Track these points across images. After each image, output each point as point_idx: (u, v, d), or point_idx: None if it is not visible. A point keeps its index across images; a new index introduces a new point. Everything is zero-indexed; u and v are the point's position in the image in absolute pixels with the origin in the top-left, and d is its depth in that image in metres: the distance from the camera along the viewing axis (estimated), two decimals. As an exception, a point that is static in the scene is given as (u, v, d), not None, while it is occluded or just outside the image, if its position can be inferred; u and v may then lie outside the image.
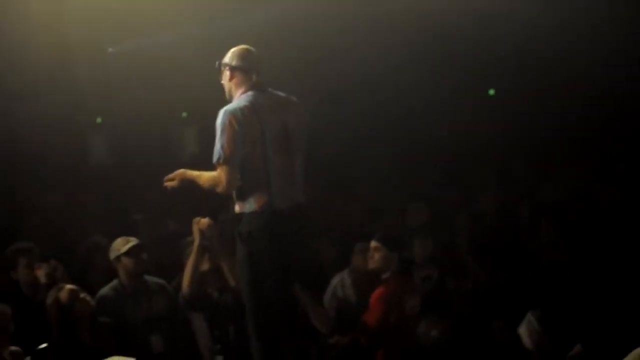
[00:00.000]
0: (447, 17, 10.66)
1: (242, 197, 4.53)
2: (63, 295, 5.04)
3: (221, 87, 4.76)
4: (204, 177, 4.58)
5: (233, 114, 4.43)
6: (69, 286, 5.16)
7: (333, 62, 11.25)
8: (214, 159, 4.42)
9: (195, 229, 5.53)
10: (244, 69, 4.62)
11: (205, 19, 10.14)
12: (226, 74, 4.66)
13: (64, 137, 12.33)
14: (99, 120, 14.75)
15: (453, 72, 11.72)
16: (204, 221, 5.48)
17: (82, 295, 5.12)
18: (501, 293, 6.61)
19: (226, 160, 4.39)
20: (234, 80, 4.63)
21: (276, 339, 4.55)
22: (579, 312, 6.19)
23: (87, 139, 14.70)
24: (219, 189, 4.47)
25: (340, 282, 6.35)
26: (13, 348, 4.82)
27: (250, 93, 4.56)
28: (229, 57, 4.67)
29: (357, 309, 5.92)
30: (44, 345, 4.68)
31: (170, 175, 4.72)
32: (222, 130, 4.41)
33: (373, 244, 5.70)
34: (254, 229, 4.49)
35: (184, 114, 14.77)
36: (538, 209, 7.88)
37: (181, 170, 4.70)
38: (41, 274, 5.81)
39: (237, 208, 4.60)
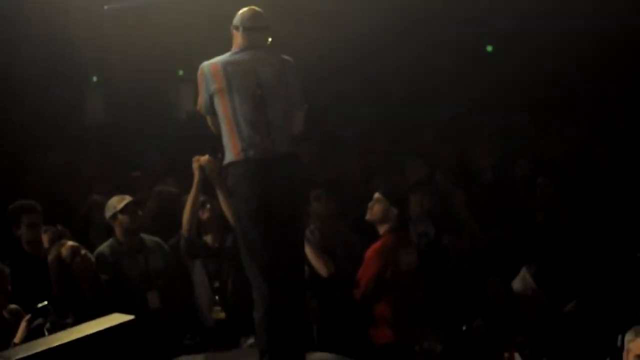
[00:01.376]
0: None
1: (224, 148, 4.73)
2: (64, 251, 5.04)
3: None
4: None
5: (201, 68, 4.76)
6: (70, 243, 5.17)
7: (332, 18, 11.14)
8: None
9: (196, 165, 5.58)
10: (237, 28, 4.84)
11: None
12: (233, 34, 4.86)
13: (61, 97, 12.29)
14: (95, 78, 14.69)
15: (451, 28, 11.63)
16: (205, 158, 5.53)
17: (83, 252, 5.13)
18: (497, 249, 6.67)
19: (202, 110, 4.82)
20: (235, 40, 4.84)
21: (274, 290, 4.58)
22: (574, 269, 6.25)
23: (84, 97, 14.65)
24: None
25: (310, 233, 6.38)
26: (12, 306, 4.87)
27: (234, 50, 4.82)
28: (235, 19, 4.89)
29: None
30: (44, 303, 4.70)
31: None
32: (199, 82, 4.77)
33: (376, 196, 5.73)
34: (234, 180, 4.68)
35: (180, 72, 14.70)
36: (536, 166, 7.90)
37: None
38: (46, 239, 5.81)
39: (227, 158, 4.75)
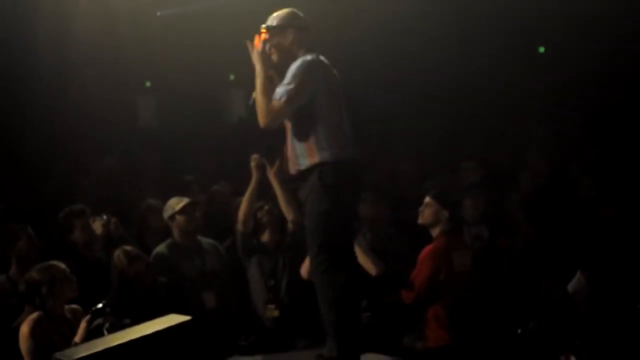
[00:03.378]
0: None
1: (319, 146, 4.57)
2: (121, 256, 5.20)
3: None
4: (262, 81, 4.62)
5: (313, 63, 4.60)
6: (126, 247, 5.31)
7: (387, 24, 11.13)
8: (276, 96, 4.53)
9: (254, 164, 5.62)
10: (306, 29, 4.77)
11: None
12: (288, 36, 4.73)
13: (114, 101, 12.47)
14: (148, 84, 14.87)
15: (503, 30, 11.55)
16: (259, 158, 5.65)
17: (139, 256, 5.27)
18: (551, 252, 6.59)
19: (287, 102, 4.52)
20: (297, 41, 4.72)
21: (348, 292, 4.60)
22: (628, 272, 6.15)
23: (137, 102, 14.84)
24: (260, 118, 4.58)
25: (360, 235, 6.38)
26: (73, 306, 4.96)
27: (306, 51, 4.70)
28: (289, 19, 4.78)
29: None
30: (102, 304, 4.79)
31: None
32: (295, 75, 4.54)
33: (427, 199, 5.72)
34: (332, 180, 4.54)
35: (232, 76, 14.79)
36: (590, 168, 7.80)
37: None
38: (97, 226, 6.04)
39: (314, 158, 4.58)
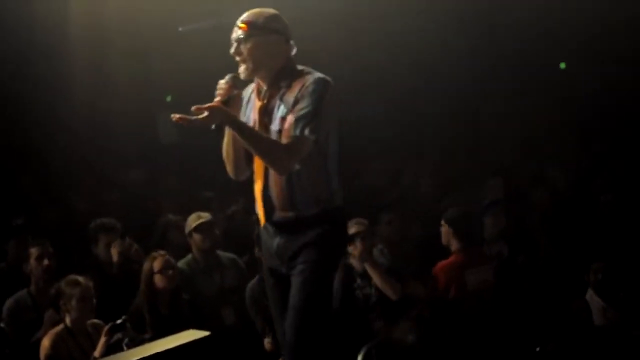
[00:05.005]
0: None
1: (327, 189, 3.66)
2: (155, 263, 5.21)
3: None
4: (256, 134, 3.56)
5: (334, 88, 3.60)
6: (163, 254, 5.33)
7: (408, 35, 11.12)
8: (299, 128, 3.49)
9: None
10: (291, 44, 3.73)
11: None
12: (273, 42, 3.66)
13: (136, 115, 12.53)
14: (168, 98, 14.92)
15: (524, 47, 11.53)
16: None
17: (171, 265, 5.29)
18: (573, 269, 6.55)
19: (313, 132, 3.50)
20: (283, 52, 3.69)
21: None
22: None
23: (158, 116, 14.88)
24: (279, 165, 3.52)
25: (379, 251, 6.36)
26: (95, 321, 4.99)
27: (307, 68, 3.70)
28: (278, 21, 3.71)
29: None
30: (122, 319, 4.82)
31: (202, 106, 3.52)
32: (320, 98, 3.52)
33: (442, 221, 5.75)
34: (336, 232, 3.72)
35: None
36: (612, 184, 7.76)
37: (216, 104, 3.57)
38: (115, 252, 5.95)
39: (312, 207, 3.62)
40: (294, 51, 3.71)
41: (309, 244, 3.60)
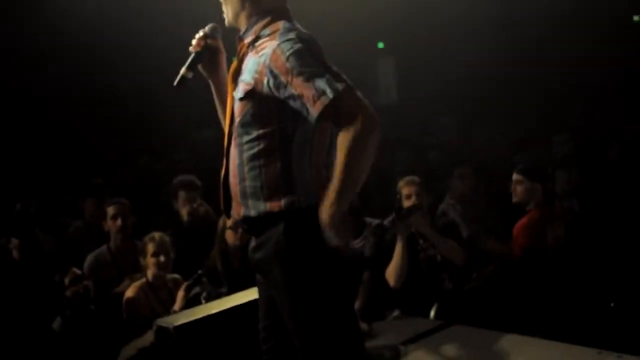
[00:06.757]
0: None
1: (295, 188, 2.88)
2: (224, 222, 5.30)
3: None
4: (344, 175, 2.71)
5: (313, 39, 2.85)
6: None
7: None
8: (330, 94, 2.68)
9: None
10: None
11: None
12: None
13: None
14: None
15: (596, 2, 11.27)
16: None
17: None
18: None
19: (348, 84, 2.73)
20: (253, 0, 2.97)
21: None
22: None
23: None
24: (374, 132, 2.68)
25: (450, 206, 6.31)
26: (175, 275, 5.12)
27: (290, 24, 2.93)
28: None
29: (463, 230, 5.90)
30: (198, 273, 4.93)
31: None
32: (308, 54, 2.75)
33: (515, 176, 5.67)
34: (315, 233, 2.82)
35: (380, 44, 13.64)
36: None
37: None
38: (184, 212, 6.06)
39: (266, 206, 2.91)
40: None
41: (271, 260, 2.92)
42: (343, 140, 2.68)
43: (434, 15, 10.70)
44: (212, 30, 3.14)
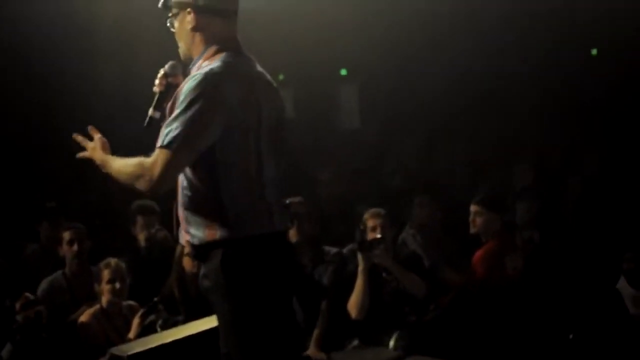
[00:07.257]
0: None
1: (227, 215, 2.94)
2: (184, 249, 5.23)
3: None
4: (117, 163, 3.10)
5: (221, 81, 2.91)
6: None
7: (443, 25, 11.05)
8: (162, 141, 2.88)
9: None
10: (222, 12, 3.05)
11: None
12: (186, 20, 3.06)
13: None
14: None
15: (554, 32, 11.43)
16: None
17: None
18: (605, 255, 6.50)
19: (182, 147, 2.86)
20: (202, 31, 3.05)
21: None
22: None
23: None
24: (142, 183, 2.94)
25: (410, 236, 6.29)
26: (130, 302, 5.04)
27: (230, 55, 3.01)
28: None
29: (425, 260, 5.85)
30: (155, 300, 4.85)
31: (82, 141, 3.36)
32: (192, 102, 2.87)
33: (473, 207, 5.67)
34: (252, 264, 2.95)
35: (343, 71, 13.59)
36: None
37: (92, 144, 3.29)
38: (142, 237, 5.99)
39: (205, 234, 2.97)
40: (193, 22, 3.04)
41: (213, 291, 3.03)
42: (138, 164, 2.96)
43: (397, 42, 10.77)
44: (172, 67, 3.25)
